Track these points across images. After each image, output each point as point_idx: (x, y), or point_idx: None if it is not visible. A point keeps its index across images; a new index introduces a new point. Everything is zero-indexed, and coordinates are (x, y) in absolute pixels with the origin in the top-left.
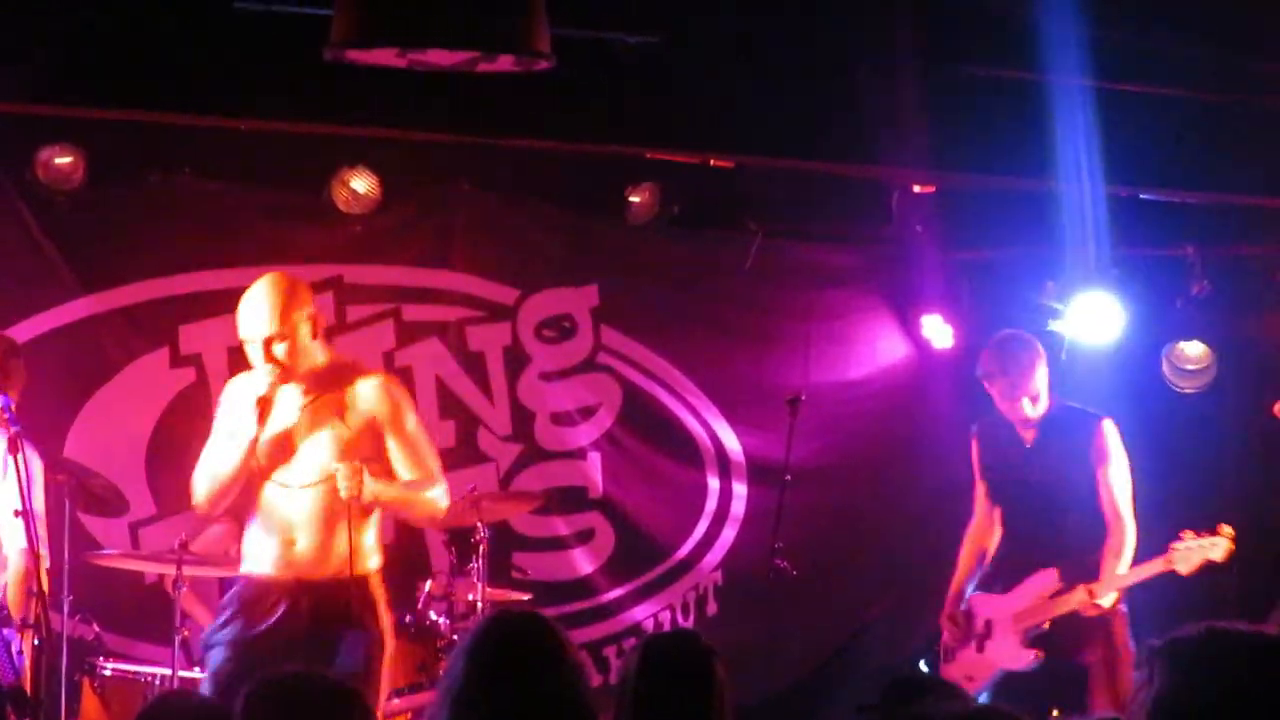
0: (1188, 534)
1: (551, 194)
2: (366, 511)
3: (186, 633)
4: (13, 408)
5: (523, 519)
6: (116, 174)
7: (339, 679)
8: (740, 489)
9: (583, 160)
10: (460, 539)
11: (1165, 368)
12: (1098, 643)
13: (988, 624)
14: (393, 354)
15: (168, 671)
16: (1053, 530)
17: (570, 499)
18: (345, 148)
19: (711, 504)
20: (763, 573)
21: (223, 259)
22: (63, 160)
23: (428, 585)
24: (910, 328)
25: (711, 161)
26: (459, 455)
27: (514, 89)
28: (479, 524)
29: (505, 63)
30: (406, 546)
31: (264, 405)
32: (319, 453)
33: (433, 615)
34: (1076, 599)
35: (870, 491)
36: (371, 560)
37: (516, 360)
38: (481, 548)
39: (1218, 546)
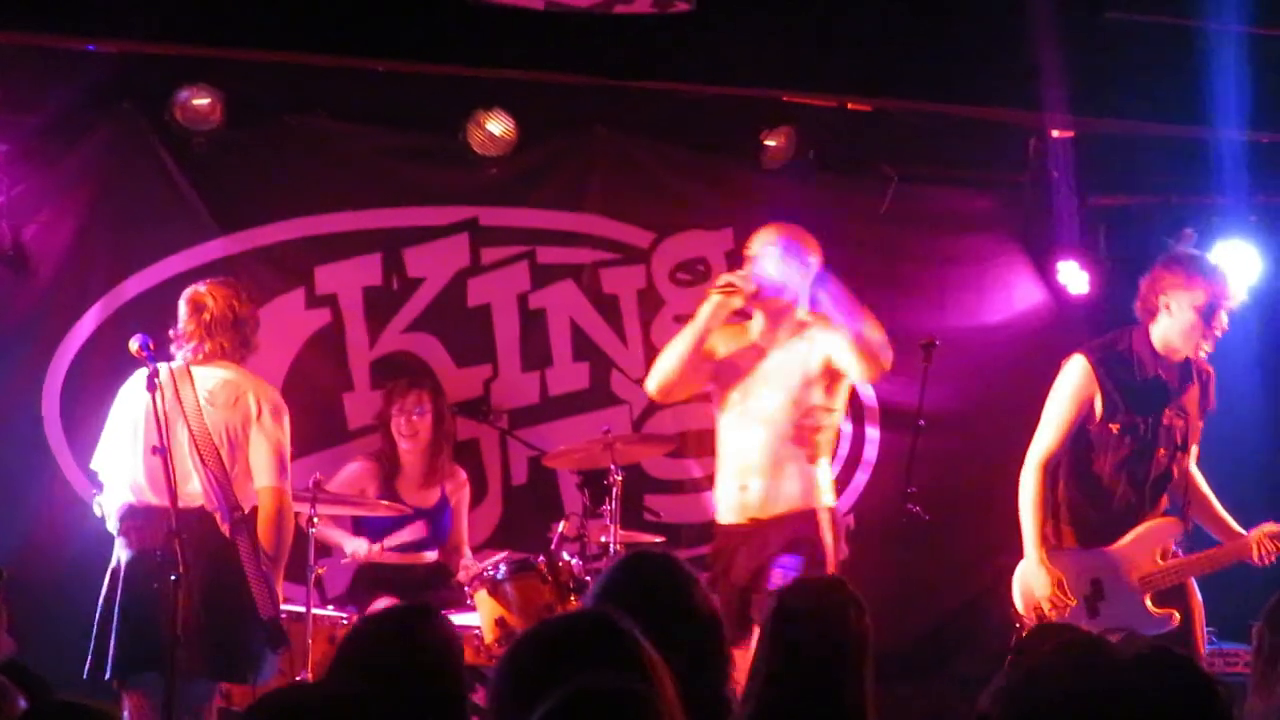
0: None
1: (687, 137)
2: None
3: (321, 570)
4: (151, 346)
5: (656, 461)
6: (254, 115)
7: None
8: (873, 433)
9: (719, 103)
10: (593, 481)
11: None
12: (1184, 597)
13: (1095, 584)
14: (527, 296)
15: (301, 609)
16: (1170, 479)
17: (703, 441)
18: (482, 90)
19: (844, 448)
20: (895, 517)
21: (359, 200)
22: (201, 101)
23: (561, 526)
24: (1046, 274)
25: (848, 105)
26: (592, 398)
27: (651, 31)
28: (612, 466)
29: (643, 5)
30: (539, 488)
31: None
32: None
33: (565, 556)
34: (1253, 548)
35: (1003, 438)
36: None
37: (651, 303)
38: (614, 490)
39: None
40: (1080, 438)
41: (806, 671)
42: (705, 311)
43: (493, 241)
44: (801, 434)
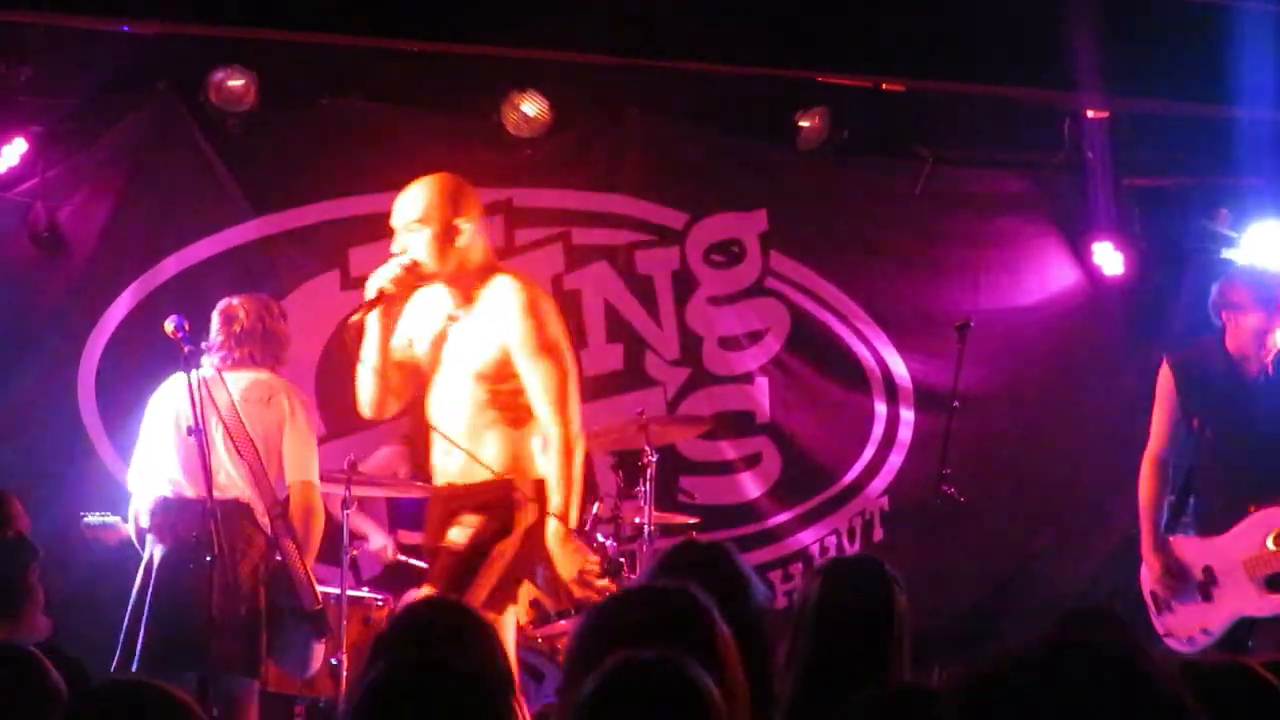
0: None
1: (721, 118)
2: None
3: (355, 552)
4: (187, 328)
5: (690, 443)
6: (288, 97)
7: None
8: (907, 415)
9: (753, 84)
10: (628, 462)
11: None
12: None
13: (1207, 570)
14: (561, 277)
15: (336, 590)
16: (1275, 470)
17: (737, 423)
18: (516, 71)
19: (878, 429)
20: (929, 499)
21: (393, 182)
22: (235, 83)
23: (595, 507)
24: (1081, 255)
25: (883, 86)
26: (627, 379)
27: (685, 13)
28: (646, 447)
29: None
30: None
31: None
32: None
33: (600, 537)
34: None
35: (1038, 419)
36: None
37: (685, 284)
38: (649, 471)
39: None
40: (1181, 434)
41: (853, 649)
42: (371, 330)
43: (527, 223)
44: (500, 398)
